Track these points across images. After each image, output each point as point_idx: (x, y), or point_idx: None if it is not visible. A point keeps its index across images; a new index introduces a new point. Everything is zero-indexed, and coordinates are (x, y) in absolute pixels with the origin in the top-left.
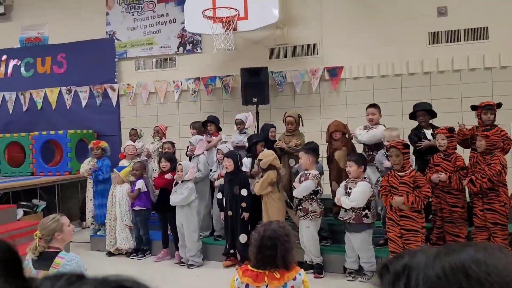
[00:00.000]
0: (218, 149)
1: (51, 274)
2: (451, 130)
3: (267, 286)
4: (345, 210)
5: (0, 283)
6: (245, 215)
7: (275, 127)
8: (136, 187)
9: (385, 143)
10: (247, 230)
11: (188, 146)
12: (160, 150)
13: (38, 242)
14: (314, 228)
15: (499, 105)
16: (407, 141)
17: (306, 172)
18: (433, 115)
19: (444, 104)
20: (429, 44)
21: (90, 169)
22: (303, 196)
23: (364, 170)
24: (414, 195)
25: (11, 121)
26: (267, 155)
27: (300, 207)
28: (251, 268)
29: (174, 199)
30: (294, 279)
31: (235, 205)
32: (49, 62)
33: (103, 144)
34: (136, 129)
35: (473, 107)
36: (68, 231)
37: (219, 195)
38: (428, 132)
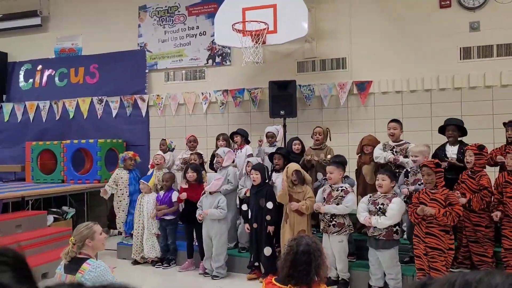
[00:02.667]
0: (248, 161)
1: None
2: (480, 148)
3: None
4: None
5: (12, 283)
6: (270, 228)
7: (299, 140)
8: (173, 200)
9: (413, 158)
10: (271, 243)
11: (210, 159)
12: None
13: (71, 247)
14: (347, 243)
15: None
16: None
17: (336, 186)
18: (463, 132)
19: (475, 120)
20: (460, 59)
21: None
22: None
23: (394, 186)
24: (445, 210)
25: (44, 129)
26: (297, 168)
27: (334, 222)
28: (273, 282)
29: (213, 212)
30: None
31: (260, 218)
32: (82, 73)
33: (138, 158)
34: (165, 140)
35: (505, 124)
36: (99, 239)
37: (244, 207)
38: (450, 149)
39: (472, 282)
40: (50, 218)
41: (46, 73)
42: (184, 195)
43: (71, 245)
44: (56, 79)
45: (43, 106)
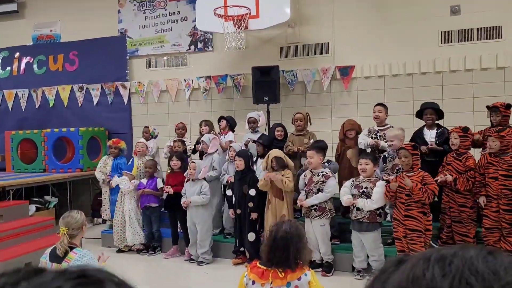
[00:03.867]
0: (230, 146)
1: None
2: (465, 130)
3: (271, 283)
4: (357, 209)
5: None
6: (253, 215)
7: (281, 126)
8: (159, 186)
9: (388, 143)
10: (255, 229)
11: (195, 145)
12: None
13: (66, 237)
14: (328, 226)
15: (508, 106)
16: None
17: (316, 171)
18: (441, 115)
19: (456, 104)
20: (441, 43)
21: (104, 179)
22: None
23: (376, 169)
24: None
25: (24, 118)
26: (280, 154)
27: (315, 207)
28: (258, 265)
29: (196, 199)
30: (299, 279)
31: (243, 204)
32: (61, 60)
33: (122, 144)
34: (148, 127)
35: (488, 107)
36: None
37: (229, 192)
38: (428, 133)
39: (447, 255)
40: (32, 207)
41: (24, 60)
42: (170, 190)
43: (66, 236)
44: (35, 66)
45: (22, 95)
